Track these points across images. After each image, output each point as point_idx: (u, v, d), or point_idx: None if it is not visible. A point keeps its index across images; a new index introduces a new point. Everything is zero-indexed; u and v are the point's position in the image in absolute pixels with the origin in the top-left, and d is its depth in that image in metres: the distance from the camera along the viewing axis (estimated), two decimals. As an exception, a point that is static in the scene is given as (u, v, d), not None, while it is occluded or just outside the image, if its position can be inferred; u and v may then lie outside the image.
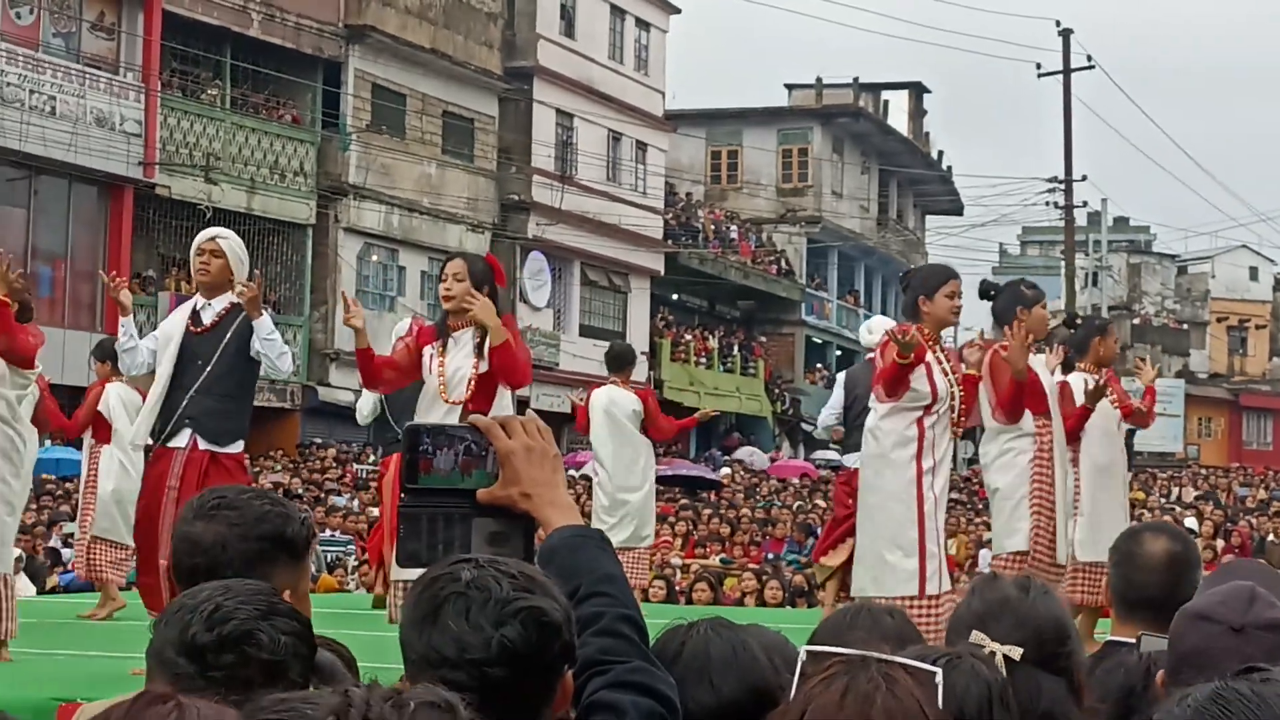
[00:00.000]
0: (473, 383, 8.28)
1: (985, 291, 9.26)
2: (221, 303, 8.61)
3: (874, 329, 11.27)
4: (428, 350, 8.48)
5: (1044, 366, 9.31)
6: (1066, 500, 9.18)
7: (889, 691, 2.23)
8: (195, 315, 8.64)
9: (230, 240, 8.80)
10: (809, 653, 2.40)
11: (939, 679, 2.33)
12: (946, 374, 8.34)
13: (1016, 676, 3.09)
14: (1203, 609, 3.09)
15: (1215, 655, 2.90)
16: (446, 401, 8.28)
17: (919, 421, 8.26)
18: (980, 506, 25.61)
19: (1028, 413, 8.98)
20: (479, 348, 8.33)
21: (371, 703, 1.77)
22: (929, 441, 8.25)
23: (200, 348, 8.53)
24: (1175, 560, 4.27)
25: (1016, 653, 3.12)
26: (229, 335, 8.52)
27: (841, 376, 12.51)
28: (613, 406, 12.95)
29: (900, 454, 8.27)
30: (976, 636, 3.15)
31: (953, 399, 8.35)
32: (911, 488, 8.21)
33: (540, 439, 2.86)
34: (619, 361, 13.37)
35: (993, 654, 3.11)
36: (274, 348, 8.47)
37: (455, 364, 8.35)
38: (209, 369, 8.47)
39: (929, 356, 8.25)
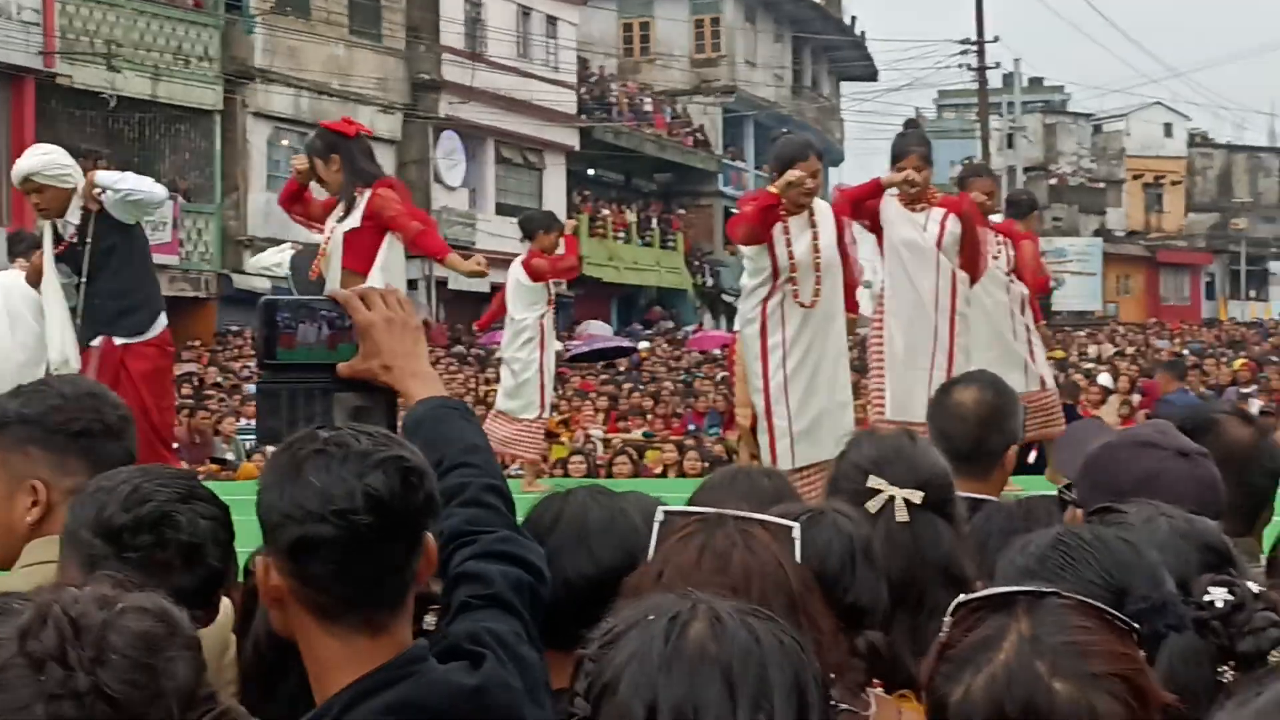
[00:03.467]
0: (342, 242, 8.44)
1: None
2: (74, 215, 8.62)
3: None
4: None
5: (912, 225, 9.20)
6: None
7: (746, 548, 2.21)
8: (56, 236, 8.69)
9: (38, 164, 8.69)
10: (666, 514, 2.35)
11: (796, 534, 2.31)
12: (793, 249, 8.34)
13: (917, 522, 3.10)
14: (1144, 438, 3.07)
15: (1170, 479, 2.89)
16: (314, 277, 8.48)
17: (763, 301, 8.40)
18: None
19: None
20: (343, 219, 8.48)
21: (80, 601, 1.71)
22: (775, 319, 8.30)
23: (71, 261, 8.61)
24: (985, 409, 4.21)
25: (918, 496, 3.13)
26: (89, 235, 8.54)
27: None
28: (512, 277, 12.96)
29: (748, 331, 8.47)
30: (875, 481, 3.14)
31: (805, 269, 8.36)
32: (757, 363, 8.32)
33: (401, 310, 2.81)
34: (522, 229, 13.26)
35: (892, 499, 3.11)
36: (124, 183, 8.49)
37: (330, 230, 8.54)
38: (89, 275, 8.50)
39: (776, 230, 8.29)
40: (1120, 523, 2.42)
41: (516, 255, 13.34)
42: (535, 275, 12.76)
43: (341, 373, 2.78)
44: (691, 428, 21.84)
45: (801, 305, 8.38)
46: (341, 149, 8.55)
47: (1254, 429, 3.53)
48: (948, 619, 1.86)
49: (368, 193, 8.52)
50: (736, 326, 8.69)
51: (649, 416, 22.83)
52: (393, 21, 39.05)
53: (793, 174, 8.26)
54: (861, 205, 8.90)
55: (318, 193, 8.90)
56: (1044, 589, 1.89)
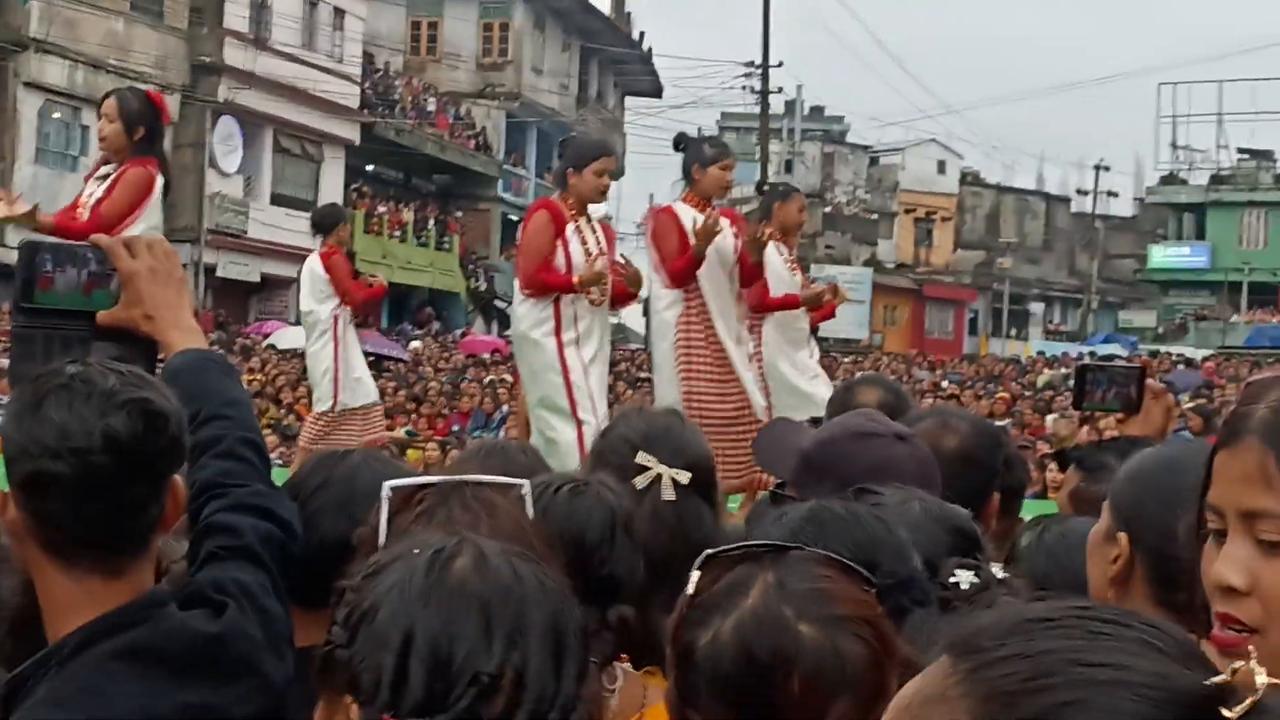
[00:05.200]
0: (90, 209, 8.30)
1: (676, 143, 9.33)
2: None
3: None
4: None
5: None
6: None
7: (491, 522, 2.19)
8: None
9: None
10: (394, 488, 2.28)
11: (526, 491, 2.31)
12: (588, 248, 8.42)
13: (682, 502, 3.11)
14: (862, 427, 3.11)
15: (896, 465, 2.94)
16: None
17: (555, 301, 8.41)
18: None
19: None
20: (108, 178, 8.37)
21: None
22: (567, 317, 8.38)
23: None
24: (886, 410, 4.32)
25: (685, 476, 3.14)
26: None
27: None
28: (306, 270, 12.80)
29: (538, 332, 8.45)
30: (643, 458, 3.14)
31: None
32: (555, 361, 8.32)
33: (166, 261, 2.76)
34: (319, 226, 13.06)
35: (659, 477, 3.12)
36: None
37: (90, 192, 8.38)
38: None
39: (569, 229, 8.33)
40: (876, 503, 2.47)
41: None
42: (331, 272, 12.63)
43: (102, 321, 2.71)
44: (456, 428, 21.81)
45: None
46: (151, 128, 8.43)
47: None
48: (695, 572, 1.89)
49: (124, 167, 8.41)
50: (516, 332, 8.69)
51: (413, 416, 22.75)
52: (176, 0, 38.39)
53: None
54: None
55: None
56: (787, 545, 1.94)
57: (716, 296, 9.03)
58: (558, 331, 8.40)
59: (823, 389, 9.77)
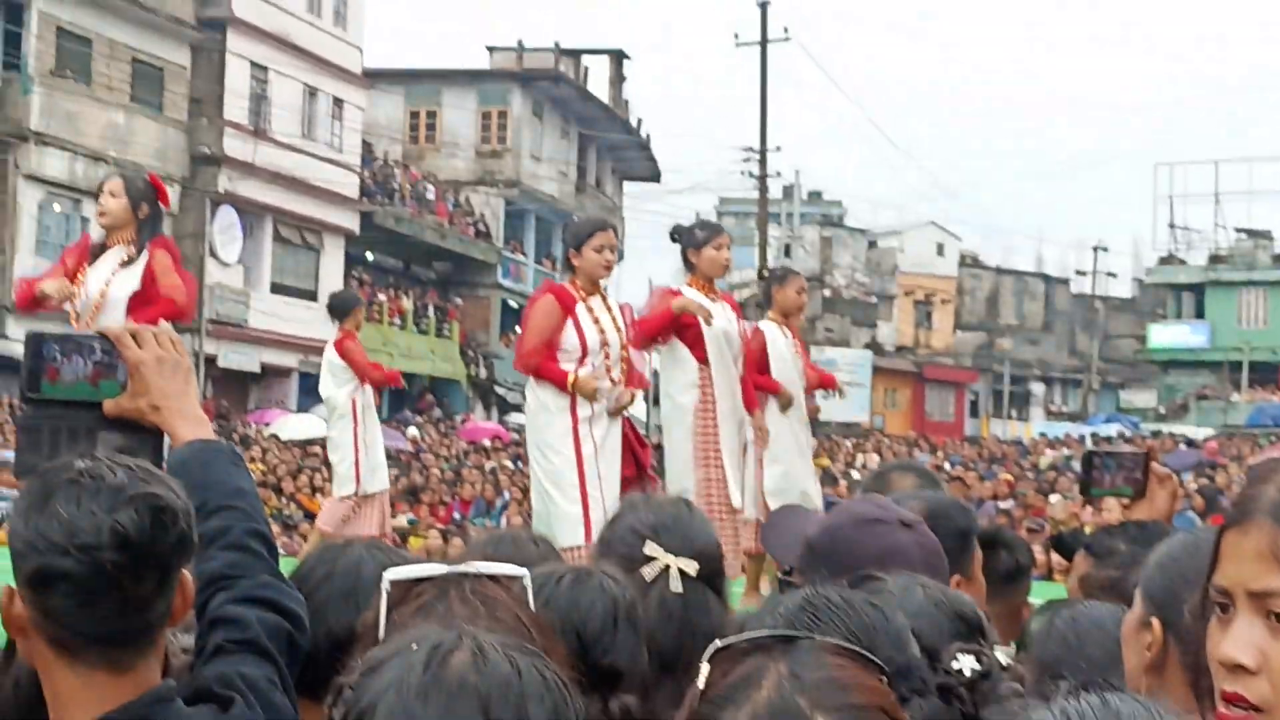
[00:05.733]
0: (107, 302, 8.39)
1: (672, 236, 9.47)
2: None
3: None
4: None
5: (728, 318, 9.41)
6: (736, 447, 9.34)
7: (490, 615, 2.18)
8: None
9: None
10: (393, 582, 2.22)
11: (527, 581, 2.29)
12: (602, 325, 8.47)
13: (690, 592, 3.11)
14: (868, 514, 3.10)
15: (902, 552, 2.93)
16: (76, 322, 8.42)
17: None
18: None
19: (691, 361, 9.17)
20: (127, 265, 8.44)
21: None
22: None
23: None
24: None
25: (693, 567, 3.13)
26: None
27: None
28: (325, 358, 12.91)
29: (555, 403, 8.44)
30: (650, 548, 3.14)
31: (608, 348, 8.47)
32: (568, 436, 8.33)
33: (173, 350, 2.77)
34: (335, 311, 13.12)
35: (667, 567, 3.11)
36: None
37: (95, 278, 8.47)
38: None
39: (579, 309, 8.40)
40: (879, 590, 2.47)
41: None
42: (346, 356, 12.73)
43: (108, 411, 2.72)
44: (457, 516, 21.75)
45: (624, 379, 8.60)
46: (154, 207, 8.66)
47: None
48: (705, 665, 1.88)
49: (149, 252, 8.56)
50: (531, 405, 8.73)
51: (414, 504, 22.70)
52: (175, 92, 38.61)
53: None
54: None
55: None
56: (798, 634, 1.93)
57: (724, 381, 9.13)
58: (573, 407, 8.43)
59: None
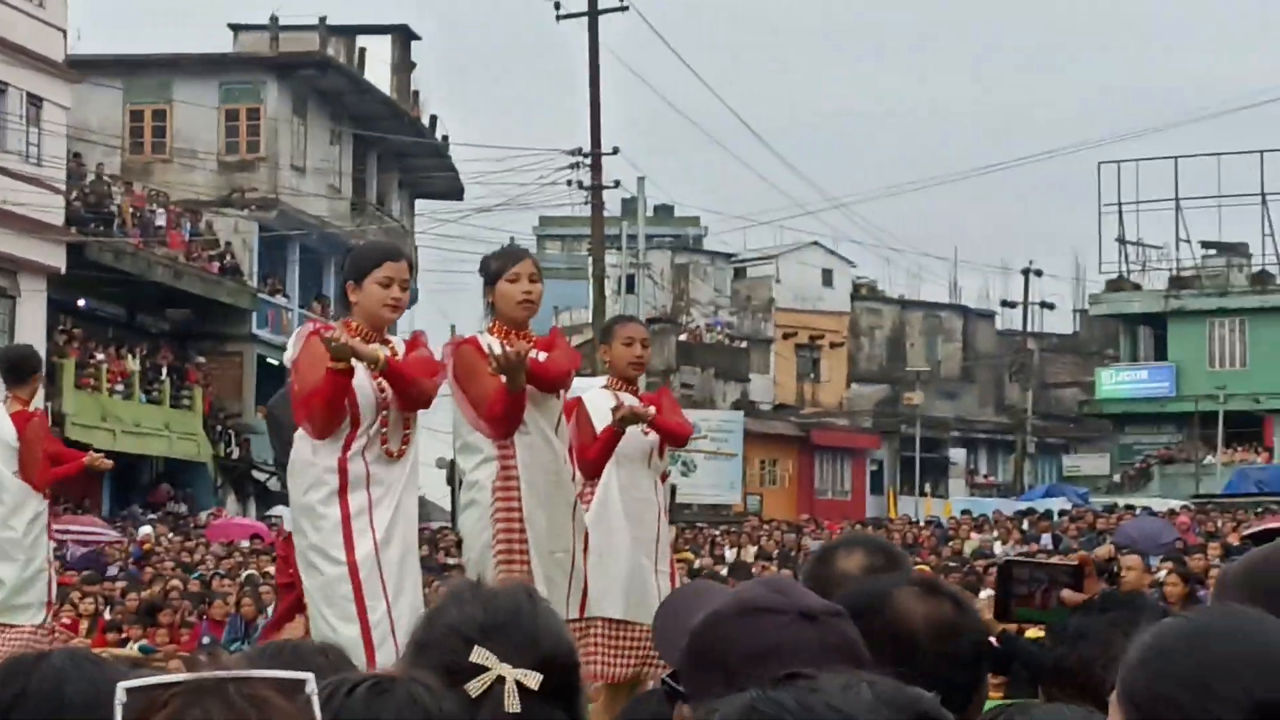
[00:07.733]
0: None
1: (481, 271, 9.38)
2: None
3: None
4: None
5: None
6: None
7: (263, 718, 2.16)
8: None
9: None
10: (129, 691, 2.16)
11: (310, 687, 2.26)
12: (383, 383, 8.31)
13: (533, 712, 3.08)
14: (755, 601, 3.09)
15: (795, 648, 2.93)
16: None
17: (341, 456, 8.28)
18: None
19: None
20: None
21: None
22: (354, 476, 8.25)
23: None
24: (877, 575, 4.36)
25: (535, 679, 3.12)
26: None
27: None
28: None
29: (316, 496, 8.27)
30: (481, 655, 3.11)
31: (386, 412, 8.34)
32: (336, 535, 8.20)
33: None
34: (16, 372, 12.72)
35: (501, 679, 3.08)
36: None
37: None
38: None
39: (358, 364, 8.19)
40: (814, 689, 2.47)
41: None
42: (38, 483, 12.45)
43: None
44: (207, 640, 21.58)
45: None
46: None
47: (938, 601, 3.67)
48: None
49: None
50: (293, 501, 8.55)
51: (148, 627, 22.50)
52: None
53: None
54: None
55: None
56: None
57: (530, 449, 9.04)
58: (343, 493, 8.29)
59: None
